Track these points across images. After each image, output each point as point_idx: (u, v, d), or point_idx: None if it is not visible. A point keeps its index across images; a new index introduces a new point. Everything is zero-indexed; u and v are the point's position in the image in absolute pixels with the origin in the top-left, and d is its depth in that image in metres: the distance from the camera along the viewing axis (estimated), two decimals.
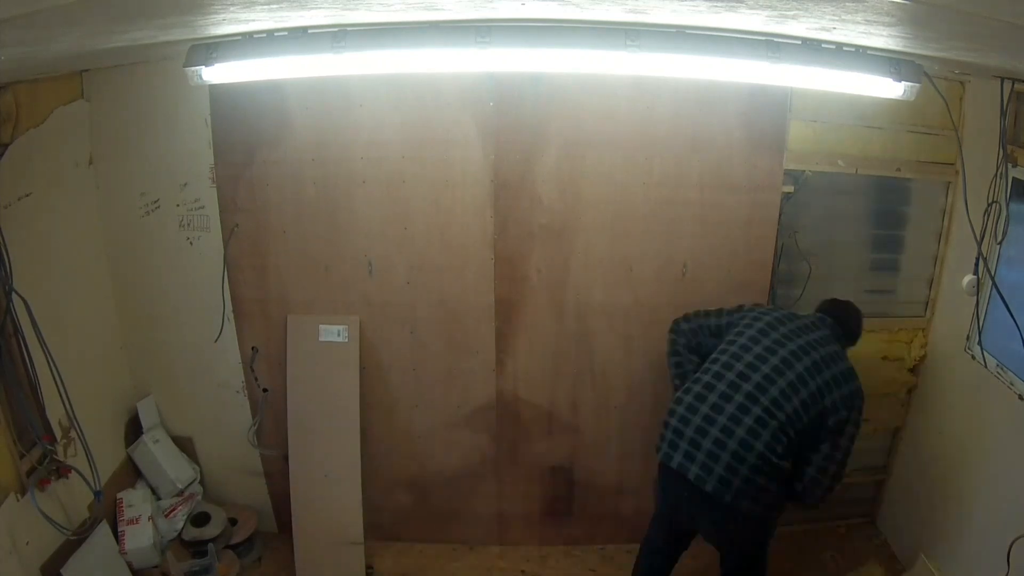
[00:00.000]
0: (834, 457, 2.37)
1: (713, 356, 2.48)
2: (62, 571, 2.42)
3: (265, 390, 3.05)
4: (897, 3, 1.24)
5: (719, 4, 1.51)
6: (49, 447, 2.43)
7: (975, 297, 2.59)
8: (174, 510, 3.00)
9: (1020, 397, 2.44)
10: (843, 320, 2.56)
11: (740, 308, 2.61)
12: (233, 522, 3.10)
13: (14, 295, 2.27)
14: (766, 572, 2.55)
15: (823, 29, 1.70)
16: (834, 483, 2.40)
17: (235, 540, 3.06)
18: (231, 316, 2.95)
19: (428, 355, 3.02)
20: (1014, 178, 2.44)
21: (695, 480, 2.28)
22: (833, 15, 1.49)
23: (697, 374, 2.47)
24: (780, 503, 2.39)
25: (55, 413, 2.48)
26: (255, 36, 1.94)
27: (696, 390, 2.40)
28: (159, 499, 3.02)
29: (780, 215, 2.84)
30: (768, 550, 2.57)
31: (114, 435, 2.96)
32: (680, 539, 2.68)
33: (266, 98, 2.66)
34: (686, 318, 2.67)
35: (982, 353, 2.65)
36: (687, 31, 1.86)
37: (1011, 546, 2.34)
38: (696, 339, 2.62)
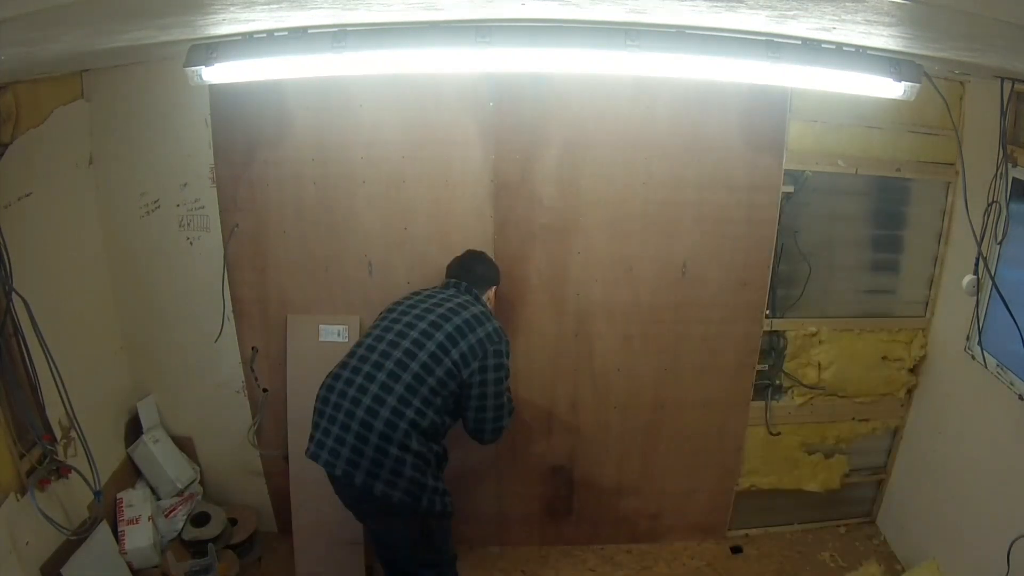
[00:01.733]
0: (485, 405, 2.45)
1: (351, 349, 2.47)
2: (62, 571, 2.41)
3: (265, 390, 3.05)
4: (897, 3, 1.24)
5: (719, 4, 1.51)
6: (49, 447, 2.42)
7: (975, 297, 2.59)
8: (174, 510, 3.00)
9: (1020, 397, 2.45)
10: (469, 271, 2.63)
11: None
12: (233, 522, 3.10)
13: (14, 295, 2.27)
14: None
15: (823, 29, 1.70)
16: (499, 424, 2.52)
17: (235, 540, 3.06)
18: (231, 316, 2.95)
19: None
20: (1014, 178, 2.45)
21: (343, 476, 2.27)
22: (833, 15, 1.49)
23: (335, 369, 2.43)
24: (434, 488, 2.35)
25: (55, 413, 2.48)
26: (255, 36, 1.94)
27: (337, 385, 2.35)
28: (159, 499, 3.02)
29: (780, 215, 2.84)
30: (446, 557, 2.56)
31: (114, 435, 2.96)
32: None
33: (266, 98, 2.66)
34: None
35: (982, 353, 2.65)
36: (687, 31, 1.86)
37: (1011, 546, 2.34)
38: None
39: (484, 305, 2.58)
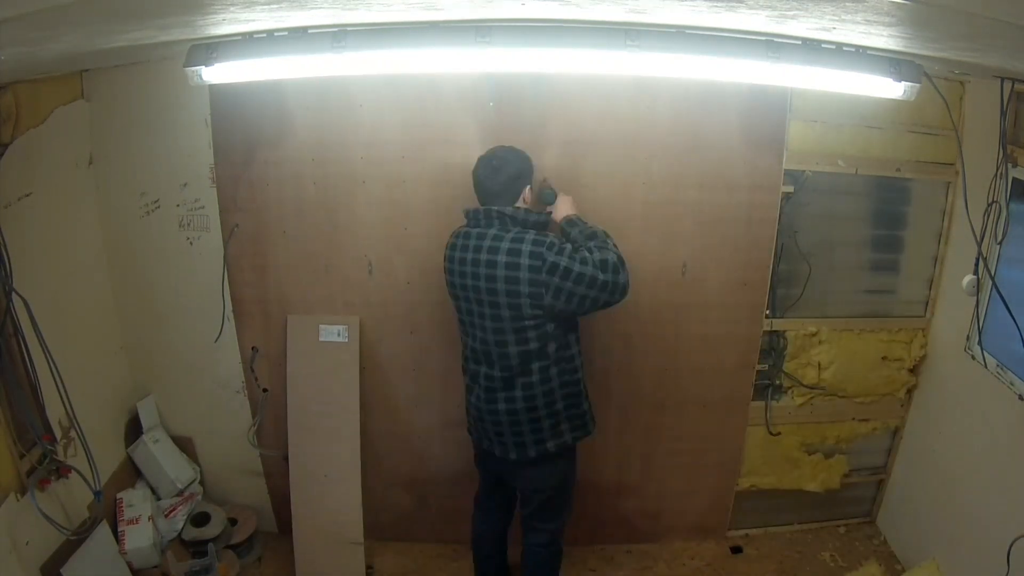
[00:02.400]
0: (590, 286, 2.28)
1: (463, 334, 2.50)
2: (62, 571, 2.41)
3: (265, 390, 3.05)
4: (897, 3, 1.24)
5: (719, 4, 1.51)
6: (49, 447, 2.43)
7: (975, 297, 2.59)
8: (174, 510, 3.01)
9: (1020, 397, 2.45)
10: (488, 193, 2.39)
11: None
12: (233, 522, 3.10)
13: (14, 295, 2.27)
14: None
15: (823, 29, 1.70)
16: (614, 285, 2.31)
17: (235, 540, 3.06)
18: (231, 316, 2.95)
19: (428, 355, 3.02)
20: (1014, 178, 2.44)
21: (500, 452, 2.48)
22: (833, 15, 1.49)
23: (465, 350, 2.52)
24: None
25: (55, 413, 2.48)
26: (255, 36, 1.94)
27: (470, 375, 2.50)
28: (159, 499, 3.02)
29: (780, 215, 2.84)
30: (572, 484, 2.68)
31: (114, 435, 2.96)
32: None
33: (266, 98, 2.66)
34: None
35: (982, 353, 2.65)
36: (687, 31, 1.86)
37: (1011, 546, 2.34)
38: None
39: (514, 222, 2.34)
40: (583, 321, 2.96)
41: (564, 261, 2.24)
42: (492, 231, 2.33)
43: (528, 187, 2.43)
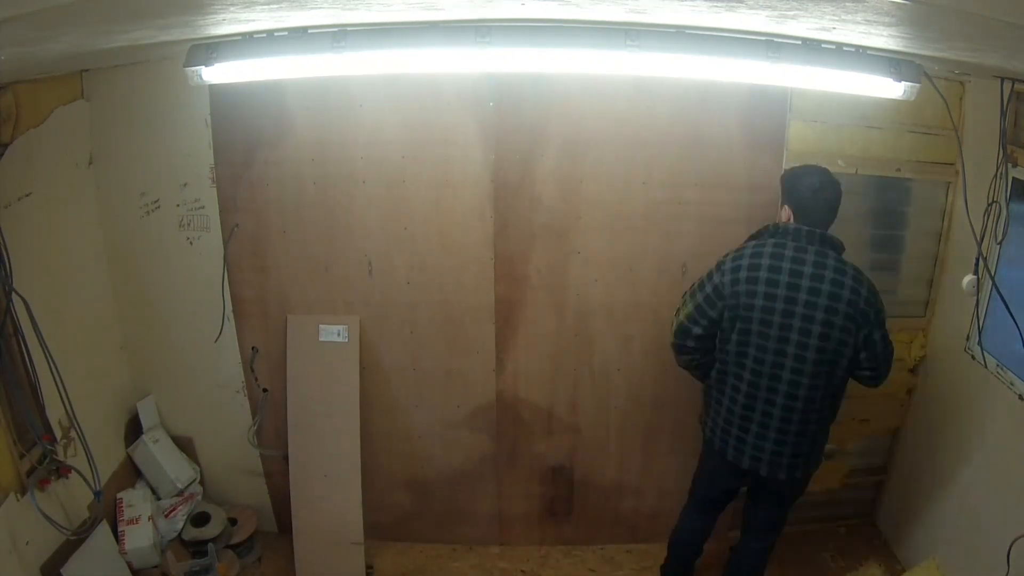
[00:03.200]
0: (882, 358, 2.36)
1: (739, 350, 2.38)
2: (62, 571, 2.41)
3: (265, 390, 3.05)
4: (897, 3, 1.24)
5: (719, 4, 1.51)
6: (49, 447, 2.43)
7: (975, 297, 2.59)
8: (174, 510, 3.00)
9: (1020, 397, 2.45)
10: (823, 222, 2.36)
11: (720, 270, 2.41)
12: (233, 522, 3.10)
13: (14, 295, 2.27)
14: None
15: (823, 29, 1.70)
16: (890, 360, 2.40)
17: (235, 540, 3.06)
18: (231, 316, 2.95)
19: (428, 355, 3.02)
20: (1014, 178, 2.44)
21: (767, 475, 2.45)
22: (833, 15, 1.49)
23: (732, 374, 2.43)
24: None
25: (55, 413, 2.48)
26: (255, 36, 1.94)
27: (741, 400, 2.42)
28: (159, 499, 3.02)
29: None
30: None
31: (114, 435, 2.96)
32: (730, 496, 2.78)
33: (266, 98, 2.66)
34: (684, 332, 2.47)
35: (982, 353, 2.65)
36: (687, 31, 1.86)
37: (1011, 546, 2.34)
38: (706, 344, 2.48)
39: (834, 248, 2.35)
40: (584, 321, 2.97)
41: (886, 330, 2.33)
42: (832, 257, 2.30)
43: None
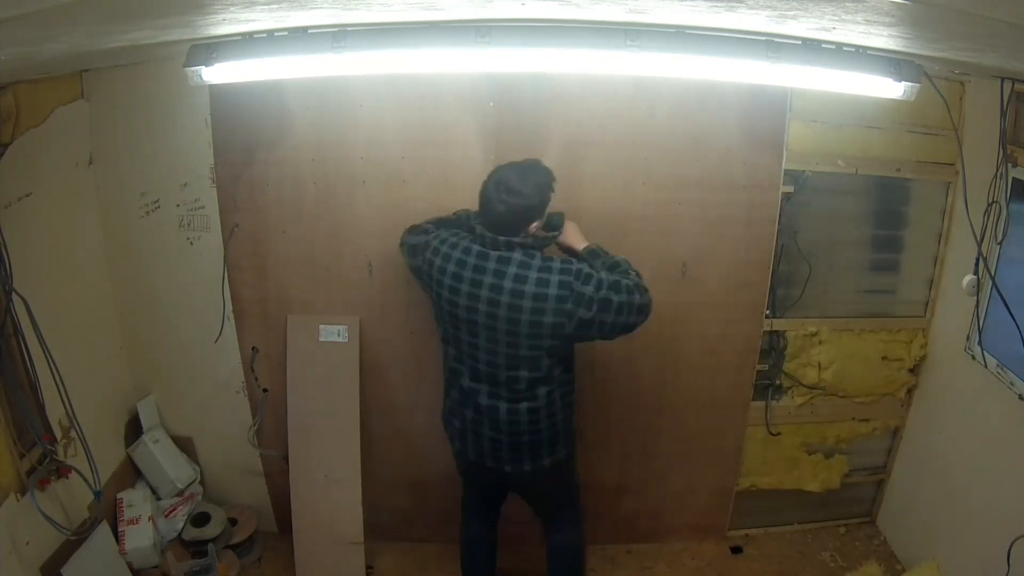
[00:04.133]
0: (618, 317, 2.23)
1: (449, 334, 2.39)
2: (62, 571, 2.42)
3: (265, 390, 3.05)
4: (897, 3, 1.24)
5: (719, 4, 1.51)
6: (49, 447, 2.43)
7: (975, 297, 2.59)
8: (174, 510, 3.01)
9: (1020, 397, 2.45)
10: (498, 223, 2.24)
11: (435, 236, 2.39)
12: (233, 522, 3.10)
13: (14, 295, 2.27)
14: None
15: (823, 29, 1.70)
16: (631, 300, 2.25)
17: (235, 540, 3.06)
18: (231, 316, 2.95)
19: (428, 355, 3.01)
20: (1014, 178, 2.44)
21: (511, 470, 2.45)
22: (833, 15, 1.49)
23: (450, 360, 2.46)
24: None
25: (55, 413, 2.48)
26: (255, 36, 1.94)
27: (464, 393, 2.42)
28: (159, 499, 3.02)
29: (780, 215, 2.84)
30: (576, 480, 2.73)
31: (114, 435, 2.96)
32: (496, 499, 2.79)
33: (266, 98, 2.66)
34: (403, 241, 2.55)
35: (982, 353, 2.65)
36: (687, 31, 1.86)
37: (1011, 546, 2.34)
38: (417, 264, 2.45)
39: (531, 252, 2.26)
40: None
41: (589, 291, 2.18)
42: (516, 257, 2.22)
43: (538, 221, 2.29)
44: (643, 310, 2.30)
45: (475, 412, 2.41)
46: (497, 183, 2.24)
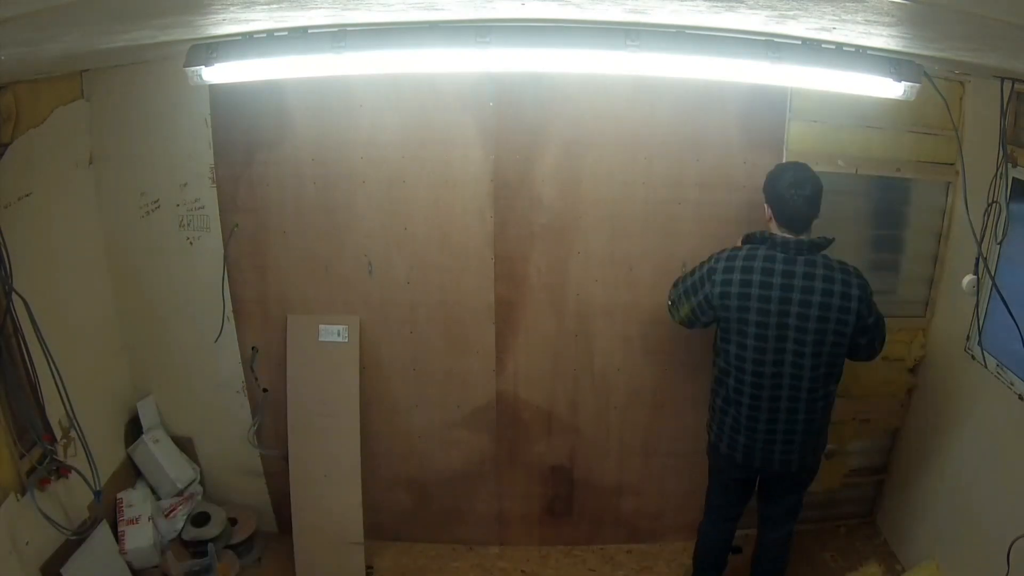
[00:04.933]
0: (873, 333, 2.41)
1: (738, 362, 2.42)
2: (62, 571, 2.41)
3: (265, 390, 3.05)
4: (897, 3, 1.24)
5: (719, 4, 1.51)
6: (49, 447, 2.42)
7: (975, 297, 2.59)
8: (174, 510, 3.00)
9: (1020, 397, 2.44)
10: (796, 218, 2.35)
11: (711, 280, 2.41)
12: (233, 522, 3.10)
13: (14, 295, 2.27)
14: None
15: (823, 29, 1.70)
16: (882, 338, 2.46)
17: (235, 540, 3.06)
18: (231, 316, 2.95)
19: (428, 355, 3.02)
20: (1014, 178, 2.44)
21: (780, 468, 2.51)
22: (833, 15, 1.49)
23: (733, 383, 2.46)
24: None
25: (55, 413, 2.48)
26: (255, 36, 1.94)
27: (745, 409, 2.46)
28: (159, 499, 3.02)
29: None
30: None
31: (114, 435, 2.96)
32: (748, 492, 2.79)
33: (266, 98, 2.66)
34: (686, 323, 2.57)
35: (982, 353, 2.65)
36: (687, 31, 1.86)
37: (1011, 546, 2.34)
38: (700, 317, 2.50)
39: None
40: (584, 321, 2.97)
41: (876, 309, 2.38)
42: (820, 264, 2.33)
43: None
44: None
45: (768, 423, 2.43)
46: (790, 182, 2.33)
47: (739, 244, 2.47)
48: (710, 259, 2.45)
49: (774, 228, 2.39)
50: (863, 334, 2.37)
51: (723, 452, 2.58)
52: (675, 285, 2.56)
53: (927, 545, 2.98)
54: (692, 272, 2.49)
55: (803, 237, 2.34)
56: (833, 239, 2.39)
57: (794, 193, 2.31)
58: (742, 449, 2.51)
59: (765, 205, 2.42)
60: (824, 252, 2.36)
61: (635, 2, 1.55)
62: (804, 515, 3.37)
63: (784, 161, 2.52)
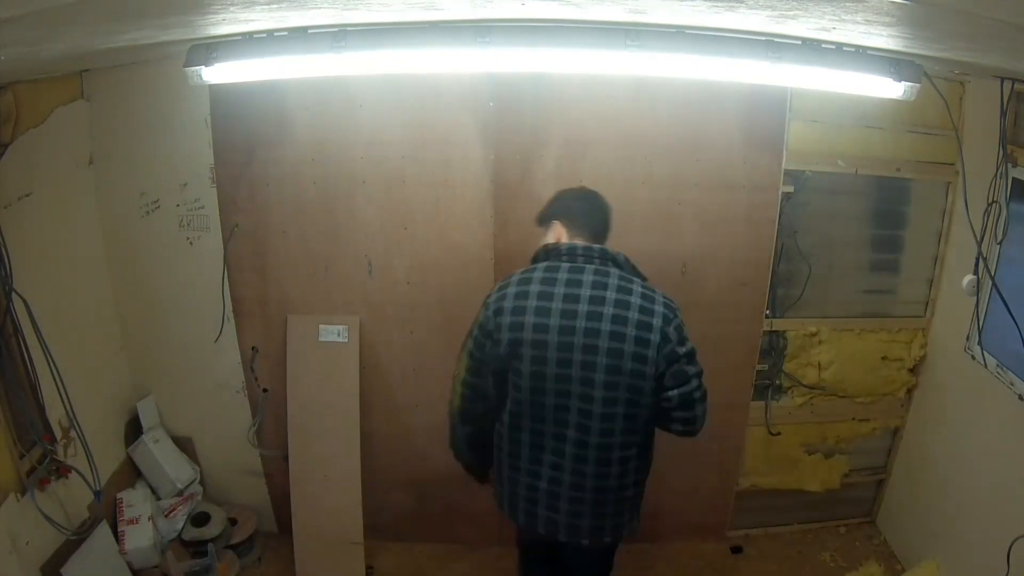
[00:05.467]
0: (692, 383, 1.97)
1: (515, 398, 2.01)
2: (62, 571, 2.41)
3: (265, 390, 3.05)
4: (897, 3, 1.24)
5: (719, 4, 1.51)
6: (49, 447, 2.43)
7: (975, 297, 2.59)
8: (174, 510, 3.00)
9: (1020, 397, 2.45)
10: (598, 232, 2.06)
11: (485, 304, 2.06)
12: (233, 522, 3.10)
13: (14, 295, 2.27)
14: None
15: (823, 29, 1.70)
16: (705, 399, 2.02)
17: (235, 540, 3.06)
18: (231, 316, 2.95)
19: (428, 355, 3.01)
20: (1014, 178, 2.44)
21: (567, 539, 2.09)
22: (833, 15, 1.49)
23: (510, 429, 2.06)
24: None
25: (55, 413, 2.48)
26: (255, 36, 1.94)
27: (526, 456, 2.06)
28: (159, 499, 3.02)
29: (780, 215, 2.84)
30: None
31: (114, 435, 2.96)
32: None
33: (266, 98, 2.66)
34: (464, 395, 2.14)
35: (982, 353, 2.65)
36: (687, 31, 1.86)
37: (1011, 546, 2.34)
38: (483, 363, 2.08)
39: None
40: None
41: (686, 333, 1.93)
42: (615, 275, 1.96)
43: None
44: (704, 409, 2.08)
45: (552, 472, 2.04)
46: (577, 192, 2.13)
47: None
48: (484, 300, 2.10)
49: (564, 237, 2.07)
50: (675, 378, 1.94)
51: (507, 516, 2.18)
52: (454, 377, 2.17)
53: (927, 545, 2.98)
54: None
55: (594, 244, 2.02)
56: (631, 263, 2.05)
57: (584, 200, 2.09)
58: (523, 509, 2.11)
59: (551, 224, 2.10)
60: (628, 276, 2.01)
61: (635, 2, 1.55)
62: (804, 515, 3.41)
63: None
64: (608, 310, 1.91)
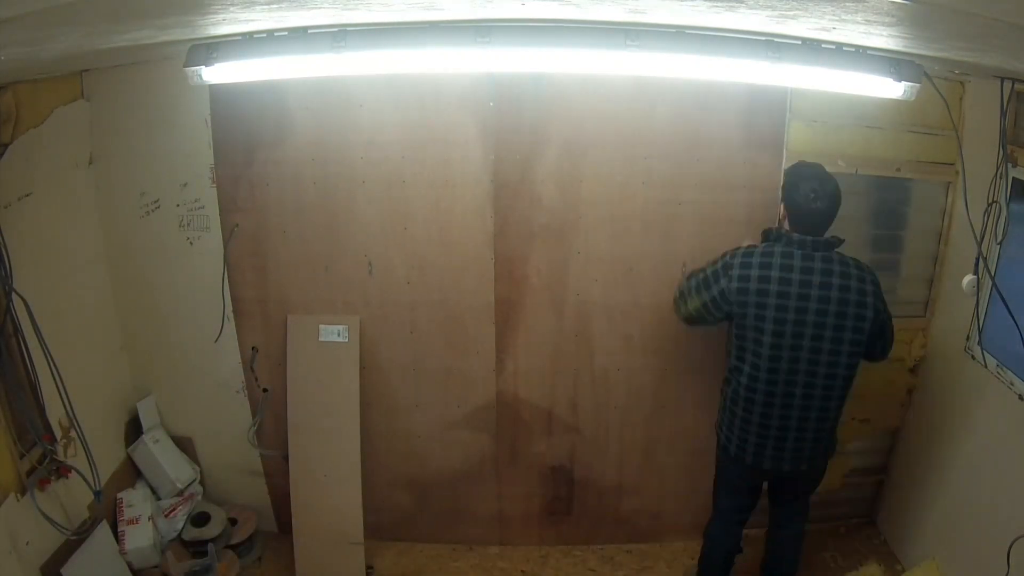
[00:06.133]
0: (887, 332, 2.44)
1: (754, 359, 2.39)
2: (62, 571, 2.42)
3: (265, 390, 3.05)
4: (897, 3, 1.24)
5: (719, 4, 1.51)
6: (49, 447, 2.43)
7: (975, 297, 2.59)
8: (174, 510, 3.01)
9: (1020, 397, 2.44)
10: (811, 229, 2.38)
11: (727, 275, 2.39)
12: (233, 522, 3.10)
13: (14, 295, 2.27)
14: None
15: (823, 29, 1.70)
16: (893, 338, 2.50)
17: (235, 540, 3.06)
18: (231, 316, 2.95)
19: (428, 355, 3.02)
20: (1014, 178, 2.44)
21: (790, 470, 2.51)
22: (833, 15, 1.49)
23: (745, 381, 2.44)
24: None
25: (55, 413, 2.48)
26: (255, 36, 1.94)
27: (758, 409, 2.44)
28: (159, 499, 3.02)
29: None
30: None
31: (114, 435, 2.96)
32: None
33: (266, 98, 2.66)
34: (691, 321, 2.57)
35: (982, 353, 2.65)
36: (687, 31, 1.86)
37: (1011, 546, 2.34)
38: (712, 313, 2.48)
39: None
40: (584, 321, 2.97)
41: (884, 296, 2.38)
42: (836, 261, 2.34)
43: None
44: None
45: (780, 421, 2.42)
46: (811, 196, 2.34)
47: (747, 244, 2.47)
48: (724, 255, 2.44)
49: (789, 227, 2.40)
50: (880, 335, 2.39)
51: (733, 454, 2.56)
52: (688, 278, 2.54)
53: (927, 545, 2.98)
54: (705, 267, 2.48)
55: (819, 236, 2.37)
56: (843, 240, 2.41)
57: (814, 207, 2.33)
58: (752, 450, 2.50)
59: (781, 205, 2.43)
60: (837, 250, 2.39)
61: (635, 2, 1.55)
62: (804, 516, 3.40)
63: (798, 162, 2.49)
64: (834, 293, 2.31)
